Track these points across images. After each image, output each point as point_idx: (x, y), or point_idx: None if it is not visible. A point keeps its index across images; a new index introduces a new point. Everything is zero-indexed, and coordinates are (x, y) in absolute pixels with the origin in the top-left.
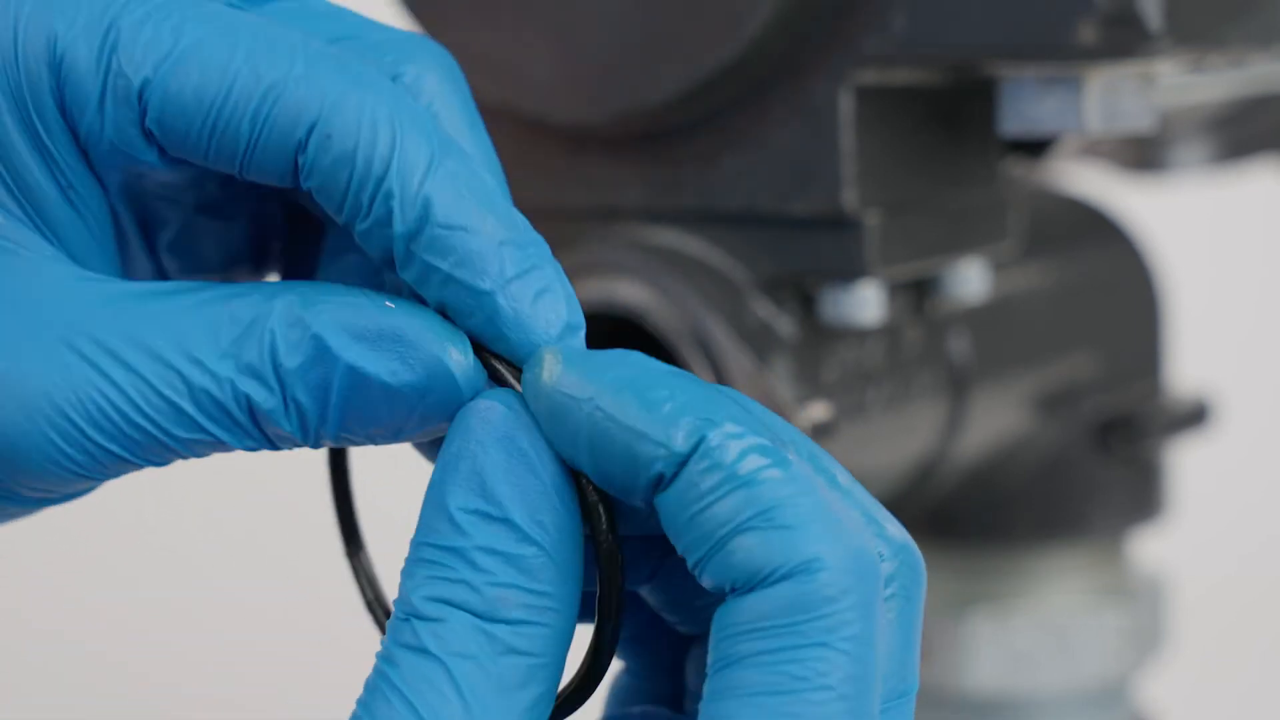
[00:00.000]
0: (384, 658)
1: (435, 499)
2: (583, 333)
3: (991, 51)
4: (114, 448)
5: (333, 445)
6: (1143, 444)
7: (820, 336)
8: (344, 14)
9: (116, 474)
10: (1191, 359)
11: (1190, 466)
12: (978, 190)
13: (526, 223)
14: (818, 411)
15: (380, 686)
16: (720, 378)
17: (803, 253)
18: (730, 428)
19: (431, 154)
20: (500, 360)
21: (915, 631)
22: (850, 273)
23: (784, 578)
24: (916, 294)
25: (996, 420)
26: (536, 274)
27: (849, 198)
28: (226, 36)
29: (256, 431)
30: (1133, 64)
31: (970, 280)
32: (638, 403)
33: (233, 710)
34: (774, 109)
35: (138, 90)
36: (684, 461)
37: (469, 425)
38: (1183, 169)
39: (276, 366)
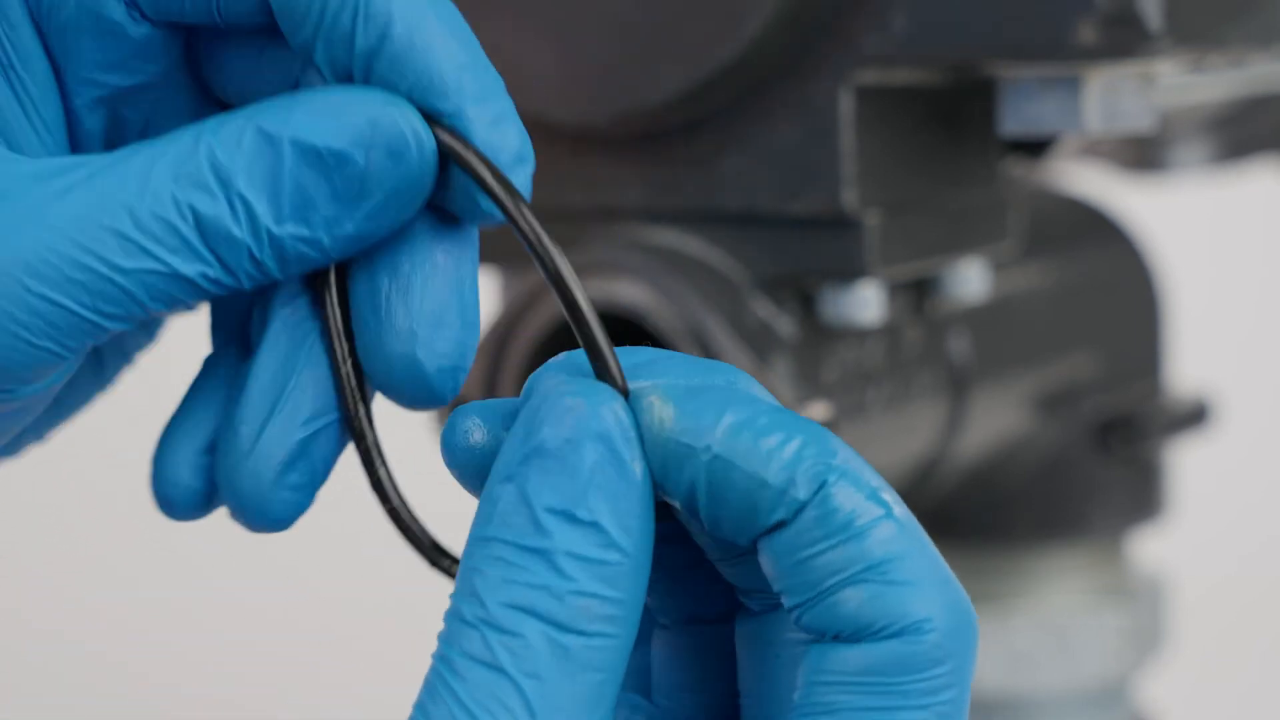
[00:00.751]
0: (448, 665)
1: (515, 494)
2: (531, 166)
3: (991, 51)
4: (58, 296)
5: (291, 259)
6: (1143, 444)
7: (820, 336)
8: None
9: (78, 342)
10: (1191, 359)
11: (1190, 466)
12: (978, 190)
13: (483, 53)
14: (818, 411)
15: (444, 698)
16: None
17: (803, 253)
18: (845, 468)
19: None
20: (456, 137)
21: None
22: (850, 273)
23: (893, 635)
24: (916, 294)
25: (996, 420)
26: (494, 101)
27: (849, 198)
28: None
29: (206, 250)
30: (1133, 64)
31: (970, 280)
32: (756, 449)
33: (233, 710)
34: (774, 109)
35: None
36: (802, 508)
37: (557, 419)
38: (1183, 169)
39: (215, 166)
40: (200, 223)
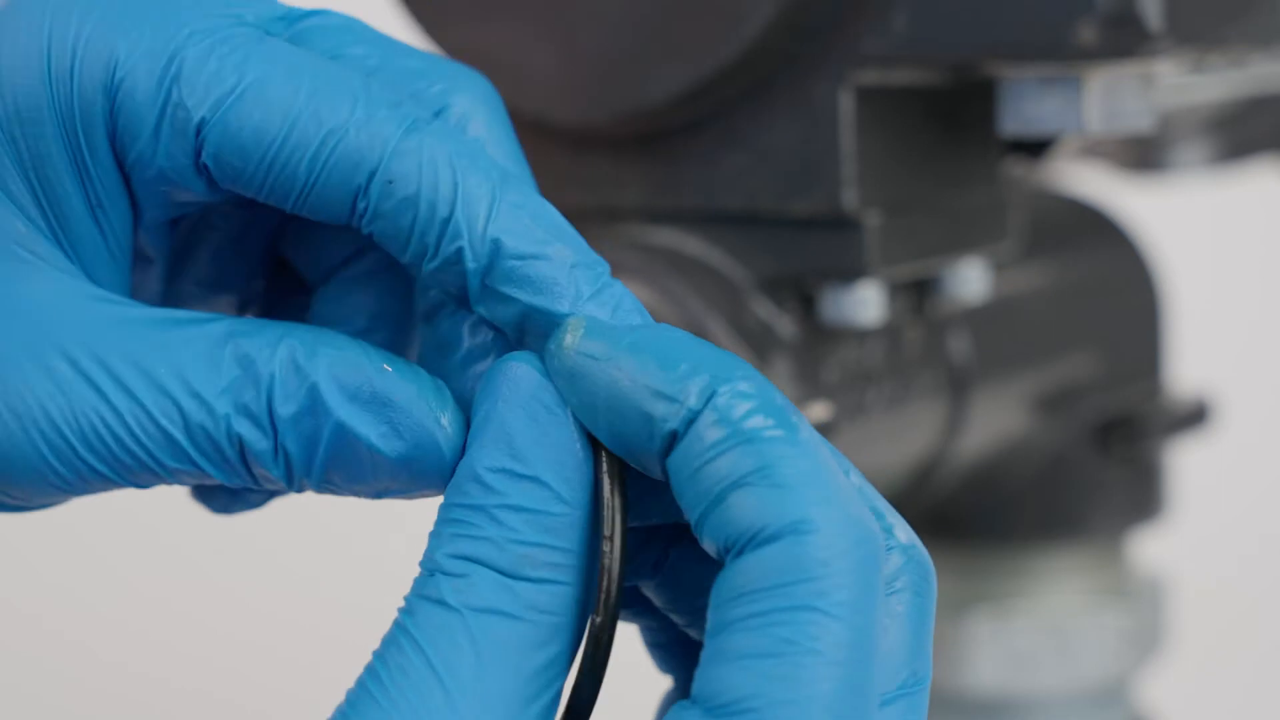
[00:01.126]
0: (404, 610)
1: (464, 461)
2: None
3: (991, 51)
4: (102, 468)
5: (315, 492)
6: (1143, 444)
7: (820, 336)
8: (384, 40)
9: (96, 491)
10: (1191, 359)
11: (1190, 466)
12: (978, 190)
13: (585, 243)
14: (818, 412)
15: (397, 636)
16: None
17: (803, 253)
18: (743, 386)
19: (493, 189)
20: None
21: (927, 625)
22: (850, 273)
23: (776, 537)
24: (916, 294)
25: (997, 420)
26: (608, 292)
27: (849, 198)
28: (290, 76)
29: (244, 470)
30: (1133, 64)
31: (970, 280)
32: (655, 362)
33: (234, 711)
34: (774, 109)
35: (196, 125)
36: (694, 418)
37: (495, 387)
38: (1183, 169)
39: (271, 412)
40: (245, 451)
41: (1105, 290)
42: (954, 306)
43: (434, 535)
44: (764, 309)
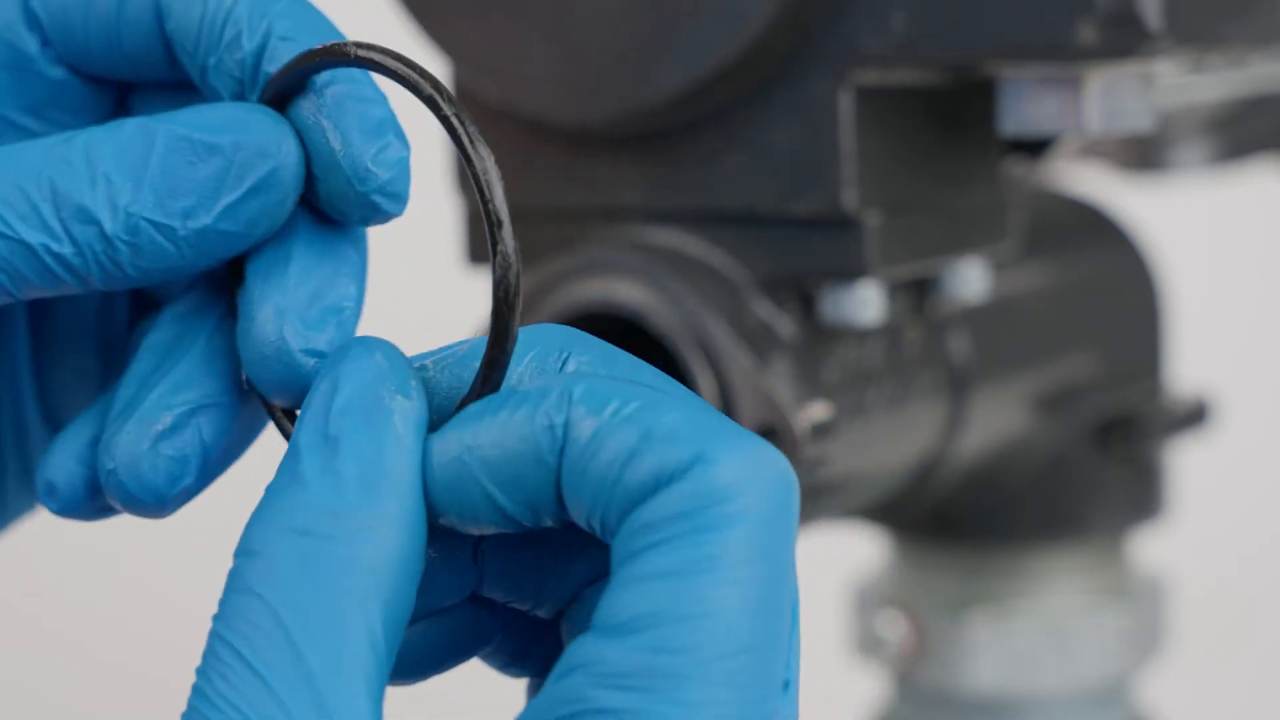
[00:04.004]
0: (218, 606)
1: (290, 445)
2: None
3: (991, 51)
4: None
5: (144, 247)
6: (1143, 444)
7: (820, 336)
8: None
9: None
10: (1191, 359)
11: (1190, 466)
12: (978, 190)
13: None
14: (818, 411)
15: (213, 636)
16: (720, 378)
17: (803, 253)
18: (583, 357)
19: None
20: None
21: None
22: (850, 273)
23: (675, 478)
24: (916, 294)
25: (996, 420)
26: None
27: (849, 198)
28: None
29: (56, 221)
30: (1132, 64)
31: (970, 280)
32: (503, 426)
33: None
34: (774, 109)
35: None
36: (567, 425)
37: (326, 370)
38: (1183, 169)
39: (88, 148)
40: (56, 193)
41: (1105, 290)
42: (954, 306)
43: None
44: (764, 309)
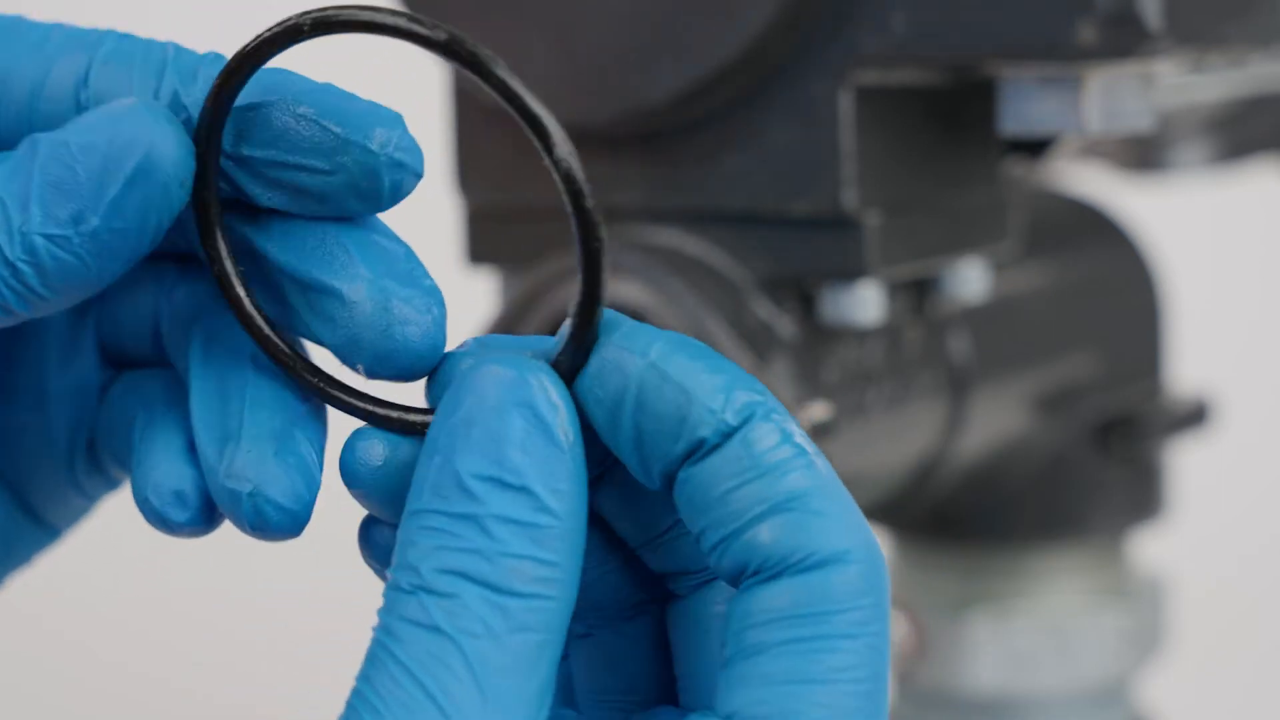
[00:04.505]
0: (387, 632)
1: (442, 465)
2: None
3: (991, 51)
4: None
5: (49, 266)
6: (1143, 444)
7: (820, 336)
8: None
9: None
10: (1191, 359)
11: (1190, 466)
12: (978, 190)
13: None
14: (818, 411)
15: (385, 663)
16: None
17: (803, 253)
18: (776, 415)
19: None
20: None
21: None
22: (850, 273)
23: (816, 566)
24: (916, 294)
25: (996, 420)
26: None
27: (849, 198)
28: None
29: None
30: (1132, 64)
31: (970, 280)
32: (696, 367)
33: (234, 711)
34: (774, 109)
35: None
36: (730, 434)
37: (481, 390)
38: (1183, 169)
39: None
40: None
41: (1105, 290)
42: (954, 306)
43: (409, 544)
44: (764, 309)
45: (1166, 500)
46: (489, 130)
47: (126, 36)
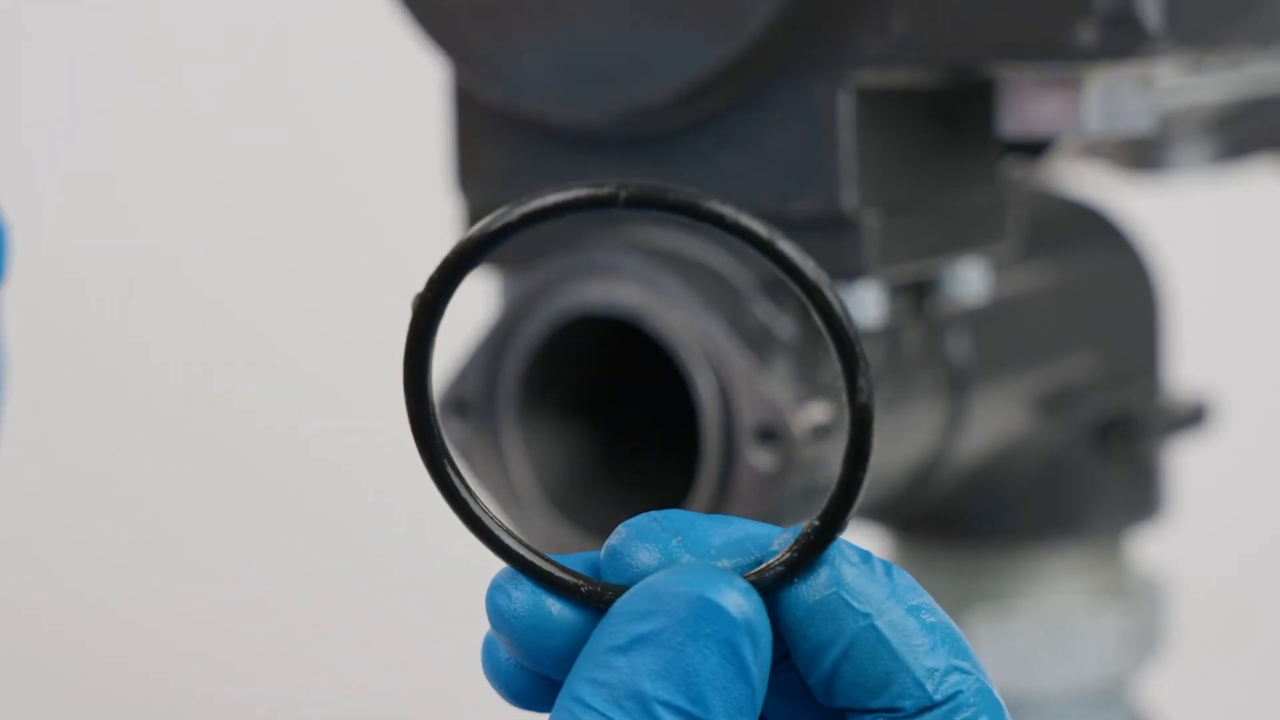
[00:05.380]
0: None
1: (628, 678)
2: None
3: (991, 52)
4: None
5: None
6: (1142, 444)
7: (820, 337)
8: None
9: None
10: (1191, 359)
11: (1190, 466)
12: (977, 190)
13: None
14: (818, 412)
15: None
16: (720, 379)
17: None
18: (983, 694)
19: None
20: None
21: None
22: (850, 273)
23: None
24: (916, 295)
25: (996, 421)
26: None
27: (849, 198)
28: None
29: None
30: (1132, 64)
31: (970, 281)
32: (911, 628)
33: (234, 711)
34: (774, 109)
35: None
36: (929, 708)
37: (681, 615)
38: (1183, 169)
39: None
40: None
41: (1105, 290)
42: (954, 307)
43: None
44: (764, 309)
45: (1166, 500)
46: (489, 130)
47: None
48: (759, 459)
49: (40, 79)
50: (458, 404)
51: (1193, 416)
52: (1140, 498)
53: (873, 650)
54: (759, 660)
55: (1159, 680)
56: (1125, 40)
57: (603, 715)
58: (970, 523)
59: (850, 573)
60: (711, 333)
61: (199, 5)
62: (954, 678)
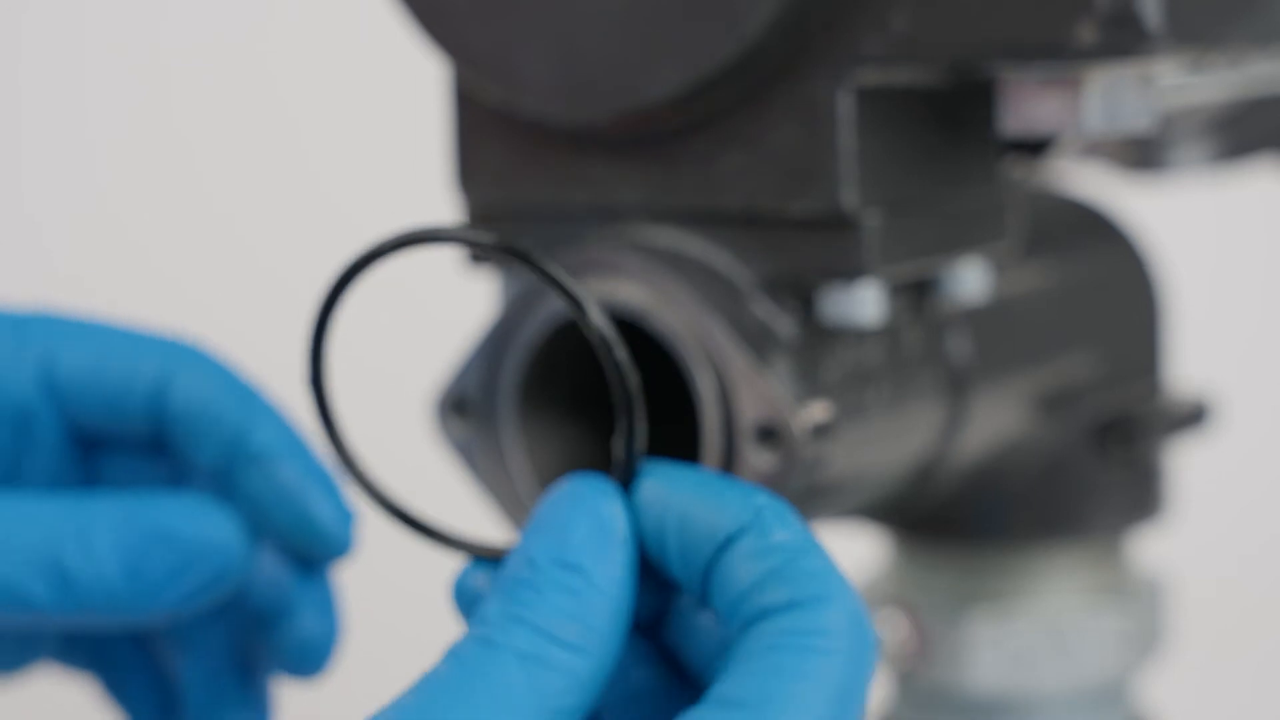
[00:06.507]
0: (449, 651)
1: (521, 552)
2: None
3: (991, 51)
4: None
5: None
6: (1142, 444)
7: (820, 336)
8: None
9: None
10: (1191, 359)
11: (1190, 466)
12: (977, 190)
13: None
14: (817, 411)
15: (440, 665)
16: (720, 378)
17: (803, 253)
18: (778, 508)
19: None
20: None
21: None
22: (850, 273)
23: (800, 605)
24: (916, 294)
25: (996, 420)
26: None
27: (849, 198)
28: None
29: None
30: (1132, 64)
31: (970, 280)
32: (720, 489)
33: None
34: (774, 109)
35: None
36: (746, 527)
37: (556, 499)
38: (1183, 169)
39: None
40: (57, 563)
41: (1105, 290)
42: (954, 307)
43: (485, 603)
44: (764, 309)
45: (1166, 500)
46: (489, 130)
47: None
48: (759, 458)
49: (40, 79)
50: (458, 403)
51: (1193, 416)
52: (1140, 498)
53: (695, 510)
54: (620, 522)
55: (1159, 680)
56: (1125, 40)
57: (506, 579)
58: (970, 523)
59: (658, 470)
60: (712, 331)
61: (199, 5)
62: (751, 503)
